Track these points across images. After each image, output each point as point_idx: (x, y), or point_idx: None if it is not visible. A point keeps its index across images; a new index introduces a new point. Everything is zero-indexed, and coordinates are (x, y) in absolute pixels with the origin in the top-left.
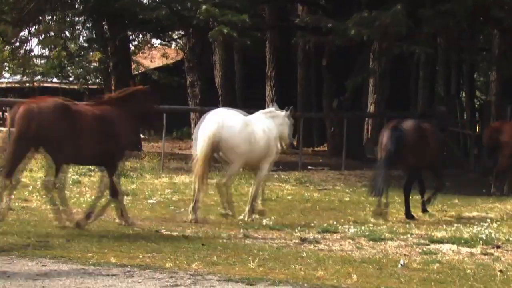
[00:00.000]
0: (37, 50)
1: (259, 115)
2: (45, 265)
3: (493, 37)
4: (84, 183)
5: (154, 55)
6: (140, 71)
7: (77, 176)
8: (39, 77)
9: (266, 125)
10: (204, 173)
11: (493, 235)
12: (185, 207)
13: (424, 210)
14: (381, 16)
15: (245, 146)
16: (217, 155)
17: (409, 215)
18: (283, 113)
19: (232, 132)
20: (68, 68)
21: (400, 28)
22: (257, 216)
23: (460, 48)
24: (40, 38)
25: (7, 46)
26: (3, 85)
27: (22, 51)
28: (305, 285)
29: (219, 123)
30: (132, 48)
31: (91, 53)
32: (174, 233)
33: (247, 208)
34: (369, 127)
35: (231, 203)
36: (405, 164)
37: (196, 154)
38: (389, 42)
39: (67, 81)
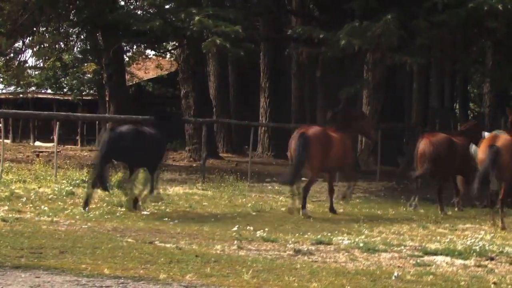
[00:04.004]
0: (31, 61)
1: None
2: (39, 277)
3: (486, 49)
4: (77, 194)
5: (149, 66)
6: (134, 82)
7: (71, 187)
8: (33, 88)
9: None
10: None
11: (486, 247)
12: (178, 218)
13: None
14: (372, 27)
15: None
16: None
17: None
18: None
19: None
20: (62, 79)
21: (392, 39)
22: None
23: (454, 59)
24: (35, 49)
25: (1, 57)
26: None
27: (16, 62)
28: None
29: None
30: (127, 59)
31: (85, 64)
32: (168, 245)
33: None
34: (363, 139)
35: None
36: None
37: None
38: (381, 53)
39: (61, 92)
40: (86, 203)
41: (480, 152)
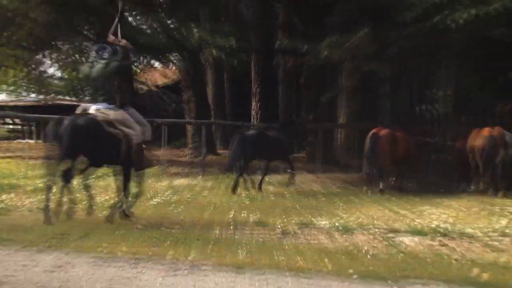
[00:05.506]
0: (52, 71)
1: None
2: (61, 259)
3: (452, 57)
4: (94, 187)
5: (156, 76)
6: (145, 91)
7: (87, 181)
8: (52, 95)
9: None
10: None
11: (449, 229)
12: (182, 206)
13: None
14: (349, 39)
15: None
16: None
17: None
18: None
19: None
20: (79, 87)
21: (368, 50)
22: None
23: (421, 67)
24: (53, 60)
25: (24, 68)
26: (22, 103)
27: (37, 72)
28: (287, 273)
29: None
30: (135, 69)
31: None
32: (173, 230)
33: None
34: (342, 136)
35: None
36: None
37: None
38: (358, 62)
39: (79, 98)
40: (235, 188)
41: None
